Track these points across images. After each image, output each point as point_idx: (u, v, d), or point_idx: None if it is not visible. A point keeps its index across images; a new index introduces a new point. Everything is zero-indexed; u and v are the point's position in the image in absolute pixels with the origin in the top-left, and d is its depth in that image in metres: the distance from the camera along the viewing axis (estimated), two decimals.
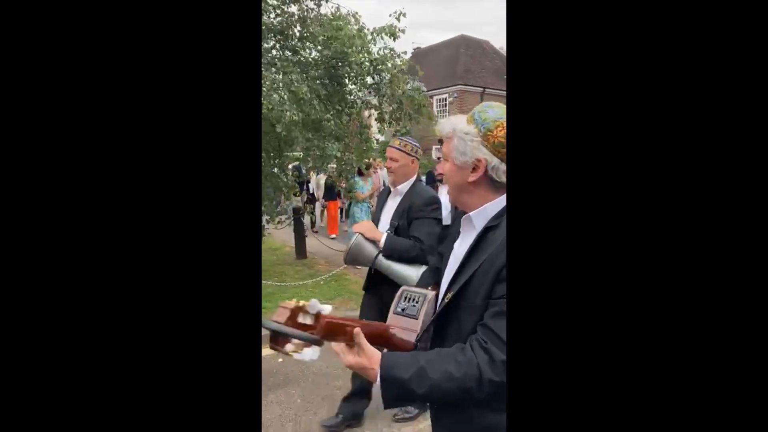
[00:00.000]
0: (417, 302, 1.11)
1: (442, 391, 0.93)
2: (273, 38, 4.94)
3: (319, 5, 5.14)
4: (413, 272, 2.21)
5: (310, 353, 0.90)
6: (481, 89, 20.14)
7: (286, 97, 4.59)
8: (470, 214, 1.08)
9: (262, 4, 4.79)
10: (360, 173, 7.09)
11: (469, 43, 22.52)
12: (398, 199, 2.45)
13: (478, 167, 1.03)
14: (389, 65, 5.34)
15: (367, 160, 6.42)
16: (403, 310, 1.11)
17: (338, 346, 0.98)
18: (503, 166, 1.02)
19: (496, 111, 1.03)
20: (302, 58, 5.03)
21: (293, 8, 5.04)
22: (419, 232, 2.30)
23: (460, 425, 1.05)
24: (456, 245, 1.16)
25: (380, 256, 2.32)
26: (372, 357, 0.96)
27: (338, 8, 5.29)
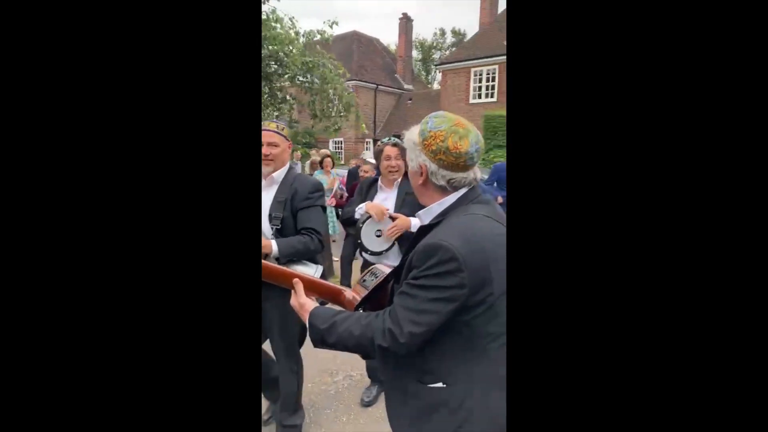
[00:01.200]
0: (376, 277, 1.30)
1: (344, 344, 1.14)
2: None
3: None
4: (311, 269, 2.01)
5: None
6: (375, 86, 20.97)
7: None
8: (420, 212, 1.23)
9: None
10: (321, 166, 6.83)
11: (361, 39, 23.19)
12: (274, 189, 2.15)
13: (422, 172, 1.17)
14: (322, 68, 5.77)
15: (325, 151, 6.53)
16: (363, 281, 1.33)
17: (292, 292, 1.28)
18: (442, 171, 1.13)
19: (434, 121, 1.15)
20: None
21: None
22: (313, 222, 2.10)
23: (391, 386, 1.25)
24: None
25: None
26: (304, 305, 1.23)
27: (274, 10, 5.57)
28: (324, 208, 2.24)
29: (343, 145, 20.70)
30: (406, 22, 23.20)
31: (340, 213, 6.00)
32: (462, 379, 1.11)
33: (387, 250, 2.45)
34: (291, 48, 5.27)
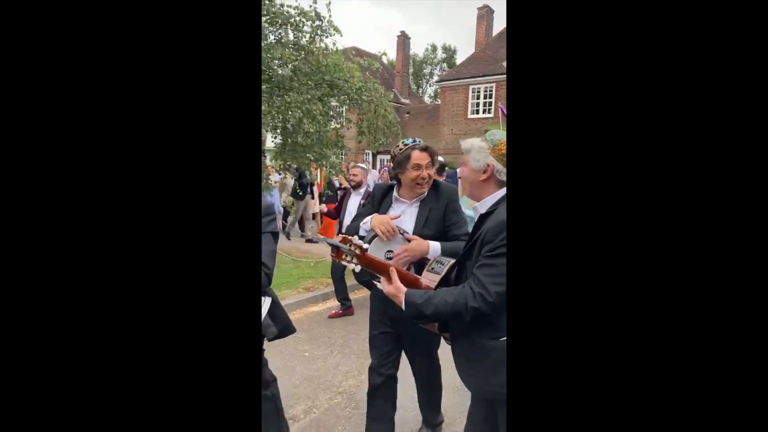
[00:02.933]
0: (443, 265, 1.58)
1: (440, 311, 1.36)
2: (290, 66, 6.08)
3: (321, 39, 6.42)
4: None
5: (354, 266, 1.55)
6: None
7: (300, 114, 5.82)
8: (476, 204, 1.51)
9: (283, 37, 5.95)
10: None
11: (362, 55, 24.25)
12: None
13: (487, 170, 1.46)
14: (372, 93, 6.83)
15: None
16: (432, 268, 1.59)
17: (383, 279, 1.51)
18: (504, 170, 1.44)
19: (500, 134, 1.47)
20: (310, 82, 6.24)
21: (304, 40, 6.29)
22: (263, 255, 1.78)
23: (467, 347, 1.47)
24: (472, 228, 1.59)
25: None
26: (399, 288, 1.46)
27: (335, 43, 6.64)
28: (275, 235, 1.92)
29: (342, 157, 21.67)
30: (403, 39, 24.46)
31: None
32: None
33: None
34: (351, 76, 6.34)
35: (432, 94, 36.33)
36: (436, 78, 36.75)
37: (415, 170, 1.98)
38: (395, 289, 1.47)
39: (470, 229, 1.99)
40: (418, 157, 1.97)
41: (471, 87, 17.97)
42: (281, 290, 5.10)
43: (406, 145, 2.03)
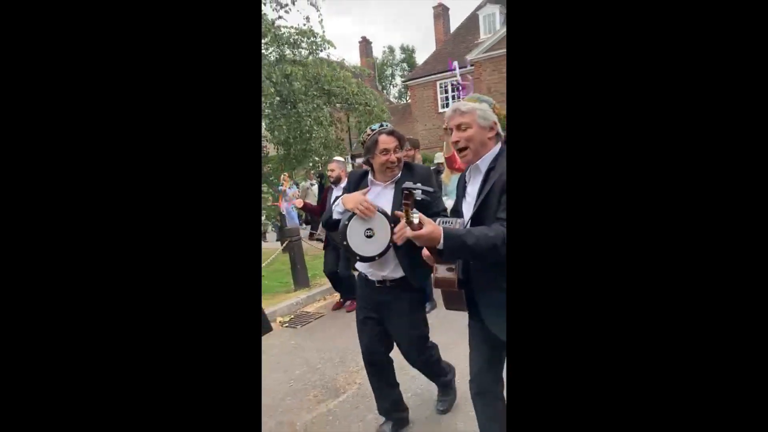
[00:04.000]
0: (452, 224, 1.57)
1: (481, 244, 1.40)
2: (302, 80, 6.83)
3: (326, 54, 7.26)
4: None
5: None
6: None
7: (311, 121, 6.57)
8: (478, 162, 1.59)
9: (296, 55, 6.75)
10: None
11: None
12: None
13: (494, 127, 1.59)
14: (368, 96, 7.65)
15: None
16: (443, 223, 1.54)
17: (403, 227, 1.50)
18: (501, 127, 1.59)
19: (490, 97, 1.64)
20: (314, 92, 6.99)
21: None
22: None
23: (497, 297, 1.44)
24: (468, 189, 1.66)
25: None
26: (437, 226, 1.42)
27: (329, 55, 7.43)
28: None
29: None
30: (365, 44, 25.30)
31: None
32: None
33: (382, 254, 1.99)
34: (348, 84, 7.15)
35: (396, 95, 37.24)
36: (398, 78, 37.74)
37: (383, 155, 2.01)
38: (434, 227, 1.40)
39: (449, 203, 2.27)
40: (384, 141, 2.00)
41: (438, 83, 18.91)
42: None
43: (373, 130, 2.06)
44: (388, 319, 2.15)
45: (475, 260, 1.54)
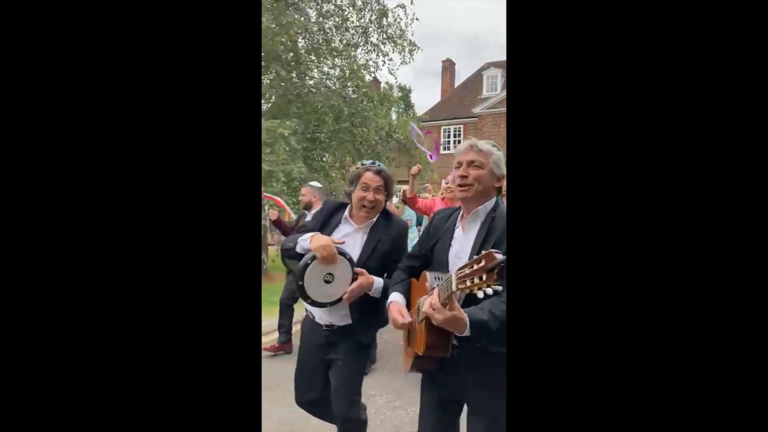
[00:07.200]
0: (445, 281, 1.28)
1: (500, 324, 1.27)
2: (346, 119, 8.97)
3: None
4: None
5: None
6: None
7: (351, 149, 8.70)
8: (479, 208, 1.53)
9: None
10: None
11: None
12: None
13: (501, 180, 1.56)
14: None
15: None
16: (442, 287, 1.30)
17: (432, 304, 1.27)
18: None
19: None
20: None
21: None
22: None
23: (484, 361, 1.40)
24: (459, 235, 1.56)
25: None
26: (461, 310, 1.27)
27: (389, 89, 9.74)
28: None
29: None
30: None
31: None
32: None
33: (335, 302, 1.82)
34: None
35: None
36: (394, 115, 40.27)
37: (362, 190, 1.87)
38: (459, 312, 1.26)
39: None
40: (368, 178, 1.88)
41: (443, 128, 21.39)
42: None
43: (363, 164, 1.96)
44: (330, 362, 1.97)
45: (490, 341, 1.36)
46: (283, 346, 4.24)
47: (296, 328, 4.05)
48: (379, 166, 1.93)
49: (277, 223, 4.47)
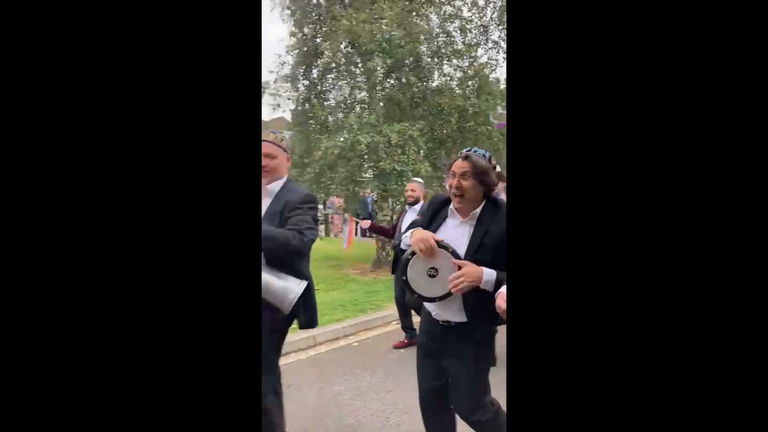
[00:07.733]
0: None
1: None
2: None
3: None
4: (293, 284, 1.92)
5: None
6: None
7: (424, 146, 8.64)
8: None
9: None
10: None
11: None
12: (269, 201, 2.07)
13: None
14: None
15: None
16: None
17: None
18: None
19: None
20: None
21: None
22: (300, 225, 1.94)
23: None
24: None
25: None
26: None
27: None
28: (315, 219, 2.05)
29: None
30: None
31: None
32: None
33: (443, 297, 1.76)
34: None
35: None
36: None
37: (451, 178, 1.81)
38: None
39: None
40: (455, 164, 1.80)
41: None
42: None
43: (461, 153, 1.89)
44: (448, 362, 1.91)
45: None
46: (411, 341, 4.16)
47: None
48: (471, 151, 1.82)
49: (376, 229, 4.59)
